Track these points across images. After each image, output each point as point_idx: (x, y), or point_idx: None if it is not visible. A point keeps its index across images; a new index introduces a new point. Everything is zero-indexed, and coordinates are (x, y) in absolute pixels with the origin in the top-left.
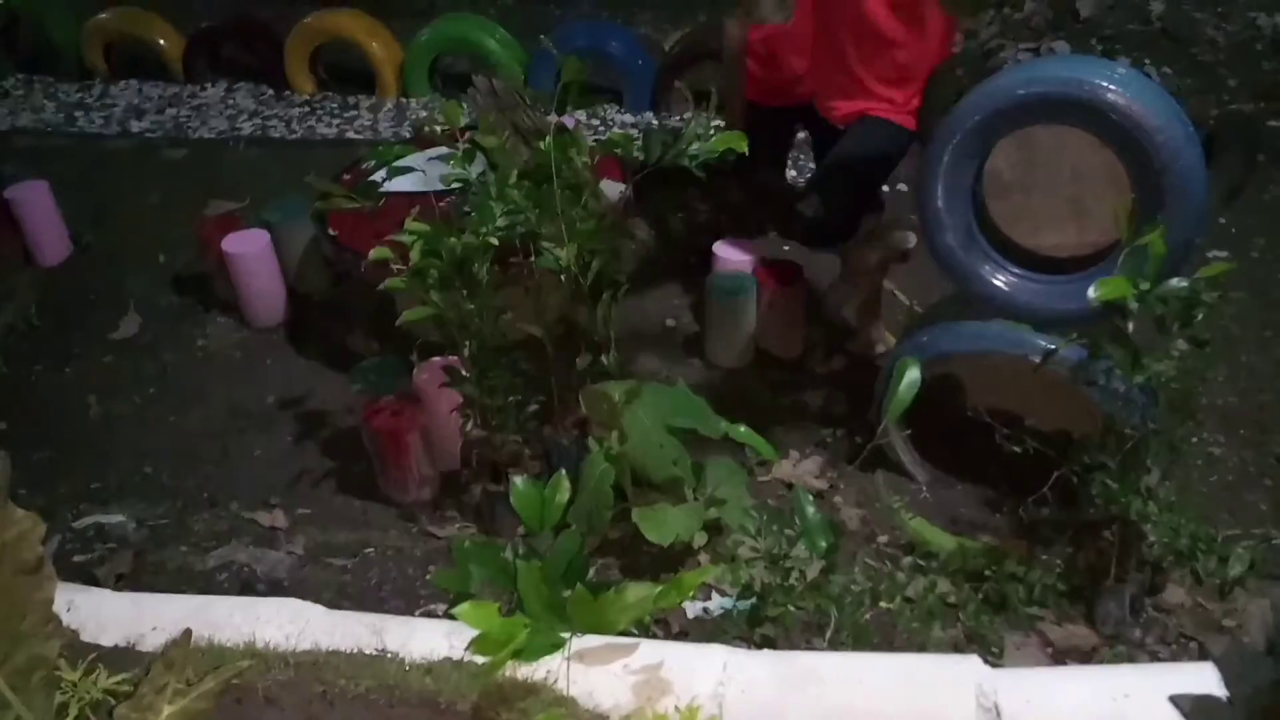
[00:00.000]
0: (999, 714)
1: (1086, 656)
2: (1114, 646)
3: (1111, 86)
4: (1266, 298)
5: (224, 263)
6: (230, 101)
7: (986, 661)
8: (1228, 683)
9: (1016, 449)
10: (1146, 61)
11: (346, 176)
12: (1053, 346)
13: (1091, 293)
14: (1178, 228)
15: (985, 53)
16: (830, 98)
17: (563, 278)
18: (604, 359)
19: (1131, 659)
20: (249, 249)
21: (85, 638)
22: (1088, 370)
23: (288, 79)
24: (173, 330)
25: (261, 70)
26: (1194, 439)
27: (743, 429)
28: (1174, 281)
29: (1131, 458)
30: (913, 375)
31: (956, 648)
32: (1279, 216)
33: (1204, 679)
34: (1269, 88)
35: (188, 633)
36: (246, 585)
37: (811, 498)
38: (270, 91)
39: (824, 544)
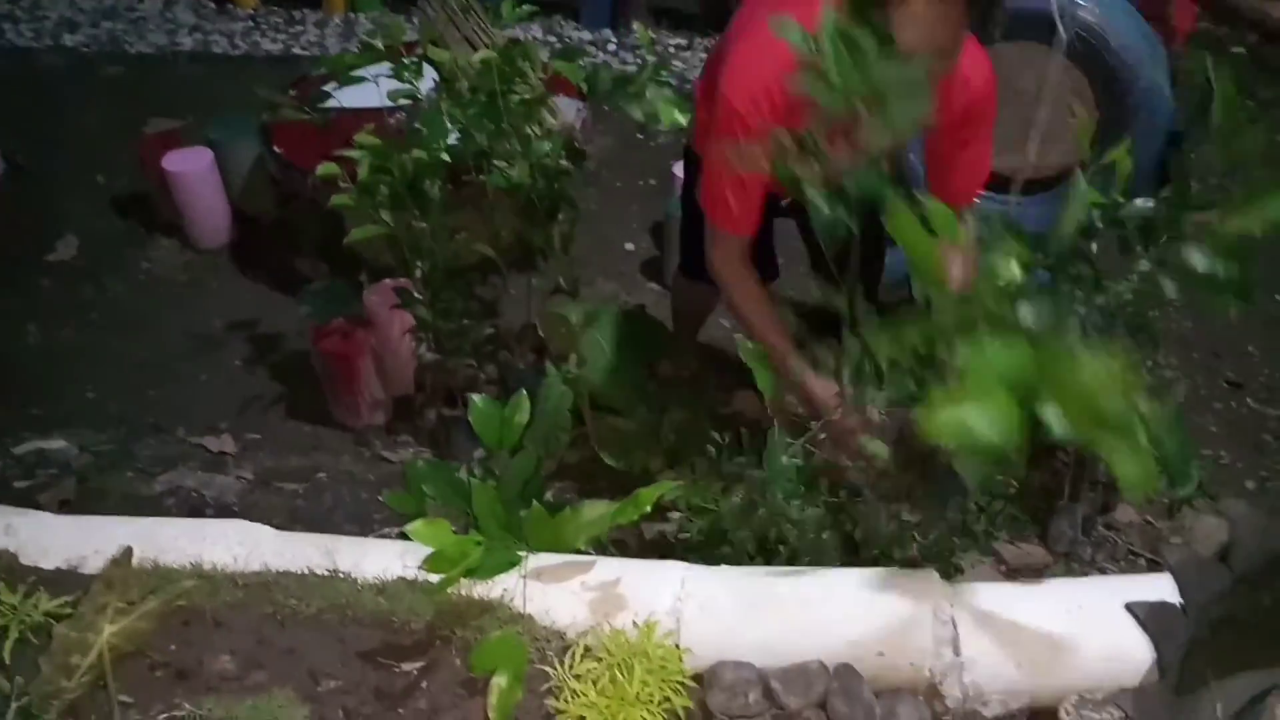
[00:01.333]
0: (956, 627)
1: (1039, 574)
2: (1066, 564)
3: (1083, 3)
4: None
5: (166, 182)
6: (169, 15)
7: (944, 577)
8: (1182, 591)
9: None
10: None
11: (294, 91)
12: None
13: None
14: (1144, 147)
15: None
16: None
17: (518, 198)
18: (561, 281)
19: (1083, 575)
20: (192, 167)
21: (25, 561)
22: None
23: None
24: (114, 253)
25: None
26: (1149, 363)
27: None
28: (1139, 201)
29: None
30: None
31: (914, 567)
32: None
33: (1156, 589)
34: (1235, 7)
35: (128, 551)
36: (195, 510)
37: (789, 440)
38: (211, 5)
39: (781, 495)
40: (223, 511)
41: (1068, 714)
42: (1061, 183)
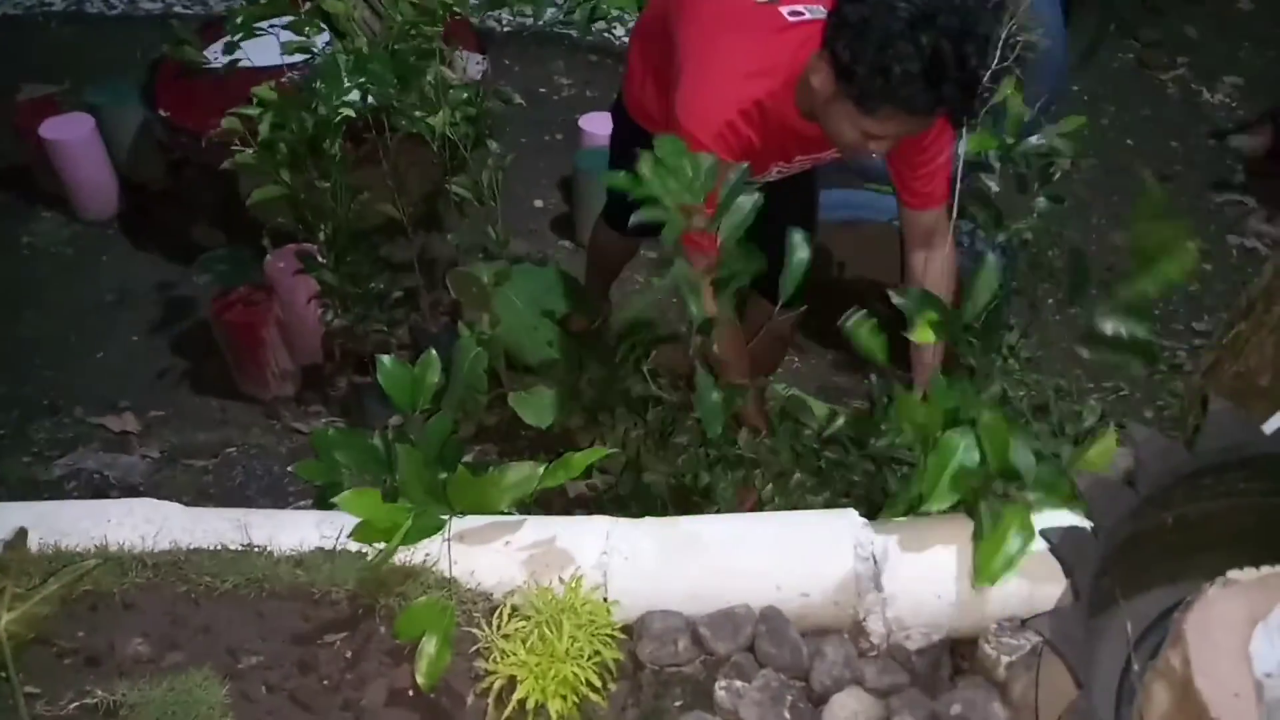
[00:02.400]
0: (876, 562)
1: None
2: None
3: None
4: (1116, 162)
5: (44, 151)
6: None
7: (862, 515)
8: (1092, 514)
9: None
10: None
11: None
12: None
13: (960, 149)
14: (1036, 86)
15: None
16: None
17: (435, 148)
18: (491, 231)
19: None
20: (72, 135)
21: None
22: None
23: None
24: None
25: None
26: (1050, 300)
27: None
28: (1034, 139)
29: (993, 317)
30: (802, 255)
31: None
32: (1128, 83)
33: (1067, 515)
34: None
35: (23, 532)
36: (98, 493)
37: (713, 381)
38: None
39: (719, 428)
40: (128, 493)
41: (988, 642)
42: None
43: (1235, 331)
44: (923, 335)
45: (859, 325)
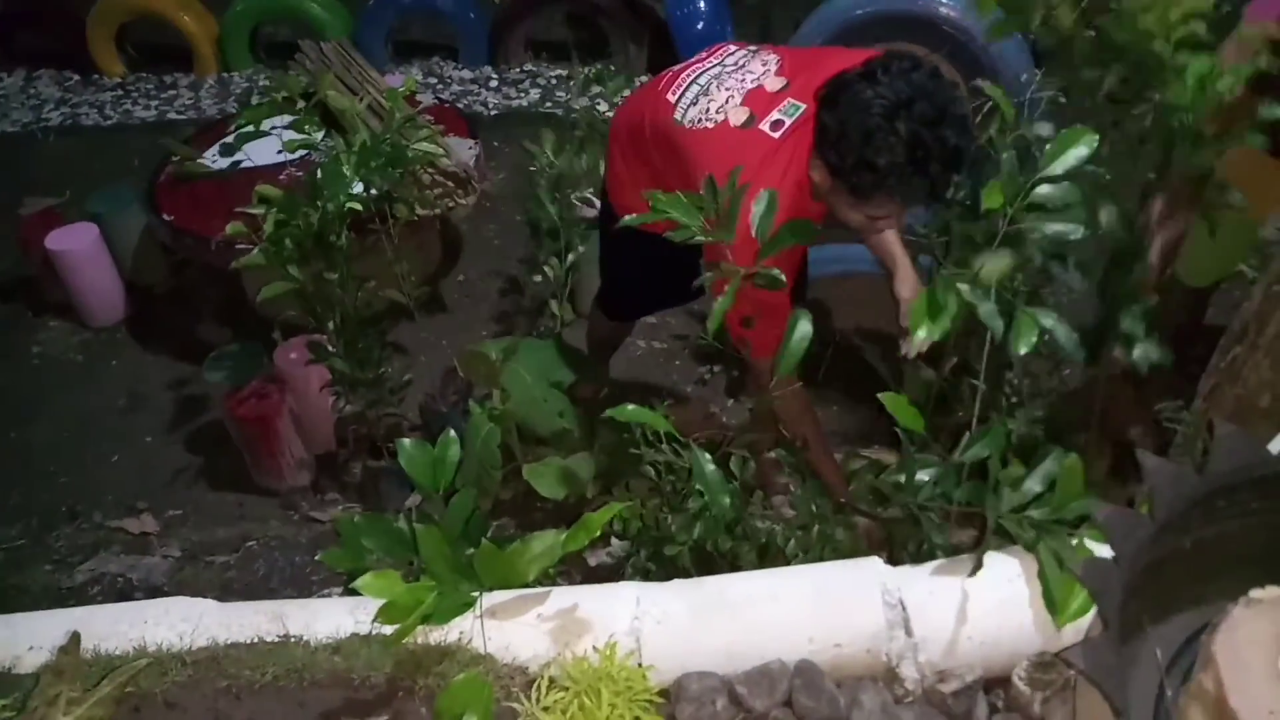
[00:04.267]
0: (905, 609)
1: (974, 547)
2: (998, 539)
3: (944, 1)
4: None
5: (50, 262)
6: (32, 90)
7: (886, 561)
8: (1113, 544)
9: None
10: None
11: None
12: None
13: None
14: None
15: None
16: None
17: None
18: (554, 308)
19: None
20: (77, 245)
21: None
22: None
23: (94, 61)
24: (1, 340)
25: (63, 54)
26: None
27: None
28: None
29: (994, 356)
30: (804, 328)
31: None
32: (1103, 116)
33: (1089, 546)
34: None
35: (76, 636)
36: (123, 596)
37: (708, 456)
38: (76, 76)
39: (726, 501)
40: (153, 593)
41: (1020, 679)
42: None
43: (1232, 355)
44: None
45: (895, 402)
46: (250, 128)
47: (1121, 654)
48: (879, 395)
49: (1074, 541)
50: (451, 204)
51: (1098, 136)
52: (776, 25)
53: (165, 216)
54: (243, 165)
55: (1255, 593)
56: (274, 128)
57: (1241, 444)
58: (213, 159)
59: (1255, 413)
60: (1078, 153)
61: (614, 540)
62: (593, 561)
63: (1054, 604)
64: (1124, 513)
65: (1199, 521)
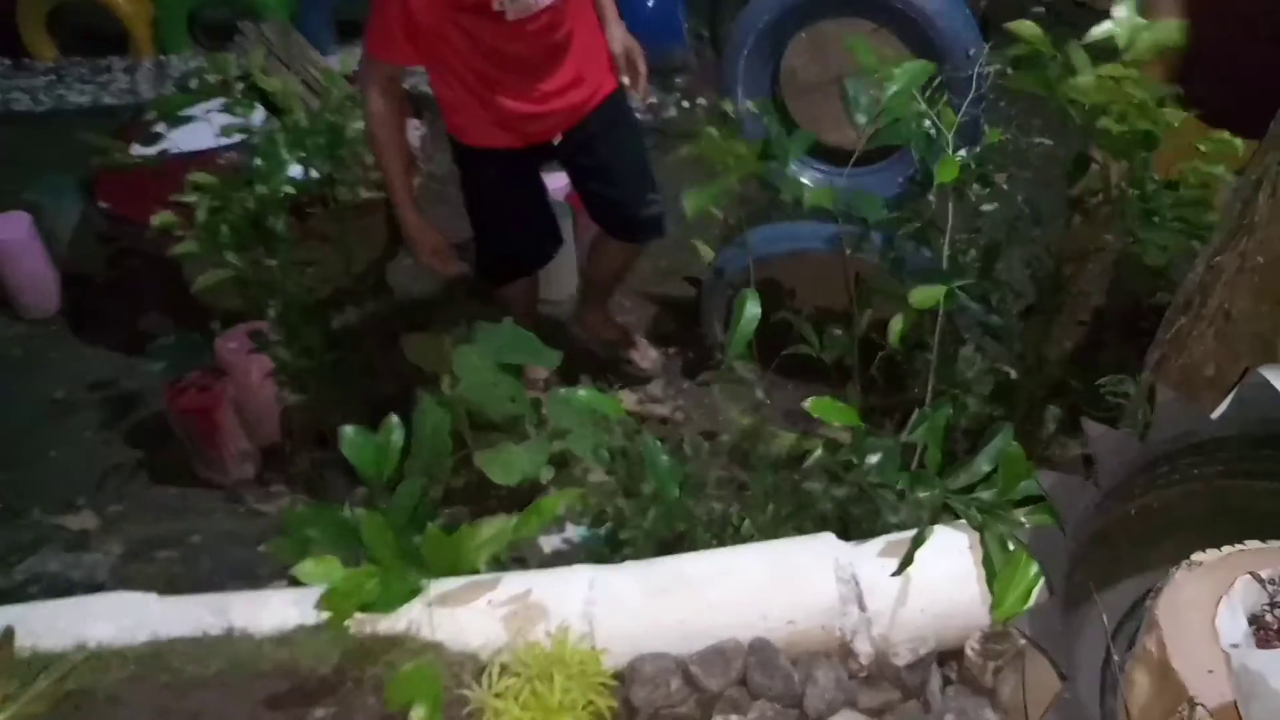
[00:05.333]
0: (858, 584)
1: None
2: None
3: None
4: (1044, 176)
5: None
6: None
7: (840, 537)
8: (1058, 510)
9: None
10: None
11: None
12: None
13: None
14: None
15: None
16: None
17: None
18: None
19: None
20: (10, 234)
21: None
22: (895, 252)
23: (25, 45)
24: None
25: None
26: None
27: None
28: (962, 152)
29: (946, 333)
30: (753, 308)
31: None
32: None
33: (1033, 517)
34: None
35: (9, 632)
36: (64, 594)
37: (660, 443)
38: (7, 61)
39: (676, 490)
40: (94, 591)
41: (974, 650)
42: (894, 152)
43: (1177, 327)
44: None
45: (823, 406)
46: (166, 116)
47: (1069, 620)
48: (803, 405)
49: (1021, 520)
50: None
51: None
52: (725, 3)
53: (102, 204)
54: (181, 151)
55: (1196, 556)
56: (207, 111)
57: (1181, 412)
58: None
59: (1200, 382)
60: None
61: (569, 525)
62: (547, 547)
63: (994, 596)
64: (1069, 480)
65: (1142, 488)
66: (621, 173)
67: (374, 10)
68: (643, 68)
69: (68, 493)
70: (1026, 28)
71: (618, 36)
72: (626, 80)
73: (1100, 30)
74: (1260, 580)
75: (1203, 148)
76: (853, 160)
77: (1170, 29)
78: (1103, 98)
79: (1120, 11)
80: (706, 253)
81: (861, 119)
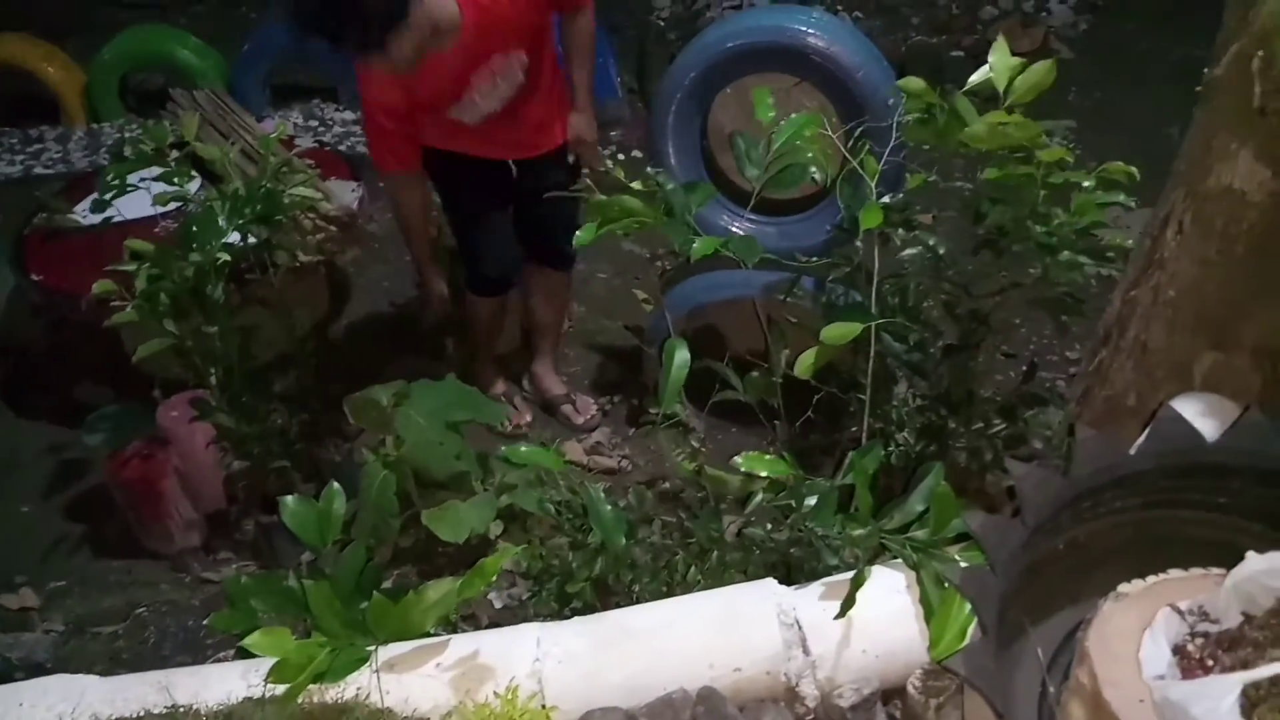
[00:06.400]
0: (800, 627)
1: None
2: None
3: (812, 31)
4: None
5: None
6: None
7: (781, 582)
8: (987, 551)
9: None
10: (839, 7)
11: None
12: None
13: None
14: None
15: (692, 13)
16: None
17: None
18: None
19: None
20: None
21: None
22: (827, 296)
23: None
24: None
25: None
26: (932, 350)
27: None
28: (887, 197)
29: (879, 372)
30: (682, 356)
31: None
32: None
33: (965, 557)
34: (946, 23)
35: None
36: (2, 677)
37: (603, 493)
38: None
39: (621, 540)
40: (34, 672)
41: (915, 687)
42: (821, 200)
43: (1099, 359)
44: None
45: (754, 460)
46: (116, 184)
47: (1006, 655)
48: (735, 459)
49: (956, 558)
50: (336, 248)
51: None
52: (653, 59)
53: (34, 276)
54: (115, 220)
55: (1123, 587)
56: (142, 179)
57: (1101, 447)
58: (83, 214)
59: (1124, 412)
60: None
61: (519, 580)
62: (498, 603)
63: (932, 635)
64: (996, 520)
65: (1069, 522)
66: (563, 203)
67: (368, 135)
68: (592, 154)
69: (6, 571)
70: (912, 84)
71: (574, 123)
72: (572, 159)
73: (978, 76)
74: (1179, 611)
75: (1085, 183)
76: (749, 206)
77: (1042, 71)
78: (995, 144)
79: (993, 55)
80: (647, 302)
81: (752, 171)
